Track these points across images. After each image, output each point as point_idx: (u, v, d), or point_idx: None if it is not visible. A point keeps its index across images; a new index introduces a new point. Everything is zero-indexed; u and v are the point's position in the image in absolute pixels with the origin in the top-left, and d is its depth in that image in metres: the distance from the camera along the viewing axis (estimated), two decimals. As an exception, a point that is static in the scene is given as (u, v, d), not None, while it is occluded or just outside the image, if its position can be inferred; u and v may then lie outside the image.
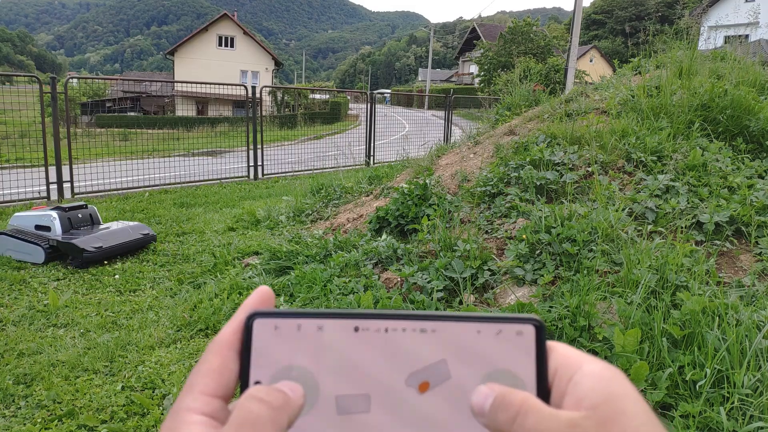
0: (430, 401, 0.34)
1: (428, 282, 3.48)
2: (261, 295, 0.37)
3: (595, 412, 0.30)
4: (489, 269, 3.50)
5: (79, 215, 5.19)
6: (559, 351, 0.35)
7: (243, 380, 0.34)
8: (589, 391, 0.31)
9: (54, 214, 4.99)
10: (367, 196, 6.40)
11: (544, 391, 0.34)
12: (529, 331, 0.35)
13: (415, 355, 0.34)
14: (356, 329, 0.35)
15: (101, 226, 5.28)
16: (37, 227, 4.96)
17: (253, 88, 10.90)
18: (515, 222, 4.00)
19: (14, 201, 7.61)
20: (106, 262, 4.89)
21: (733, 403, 2.14)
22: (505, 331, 0.35)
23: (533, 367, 0.34)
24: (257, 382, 0.34)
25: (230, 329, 0.35)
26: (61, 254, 4.89)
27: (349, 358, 0.34)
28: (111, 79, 33.04)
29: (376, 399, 0.34)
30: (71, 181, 8.10)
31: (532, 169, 4.38)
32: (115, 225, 5.35)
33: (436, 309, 3.15)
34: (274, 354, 0.34)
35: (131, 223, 5.48)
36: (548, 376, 0.34)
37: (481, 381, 0.34)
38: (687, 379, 2.27)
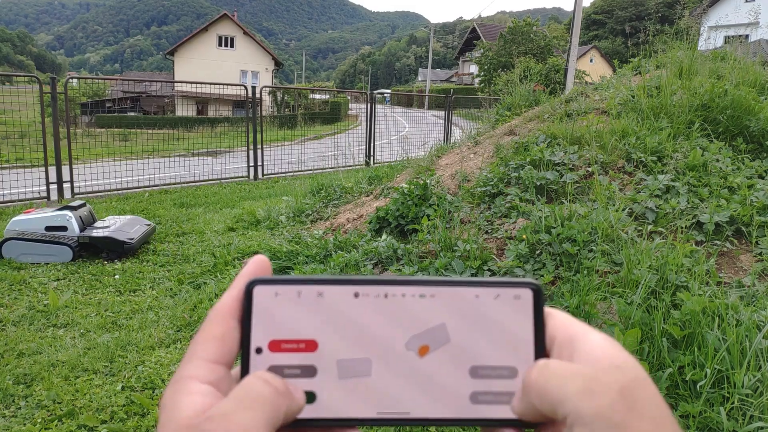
0: (430, 364, 0.35)
1: (428, 282, 3.47)
2: (258, 264, 0.37)
3: (621, 373, 0.31)
4: (489, 269, 3.50)
5: (84, 213, 5.24)
6: (558, 318, 0.36)
7: (243, 347, 0.34)
8: (600, 357, 0.32)
9: (69, 213, 5.02)
10: (367, 196, 6.40)
11: (541, 353, 0.35)
12: (527, 295, 0.35)
13: (414, 320, 0.35)
14: (356, 295, 0.35)
15: (105, 222, 5.32)
16: (49, 228, 4.96)
17: (253, 88, 10.90)
18: (515, 222, 4.00)
19: (14, 201, 7.61)
20: (106, 262, 4.89)
21: (733, 403, 2.14)
22: (503, 295, 0.35)
23: (531, 330, 0.35)
24: (258, 349, 0.34)
25: (230, 297, 0.35)
26: (84, 251, 4.99)
27: (349, 323, 0.35)
28: (111, 79, 33.04)
29: (377, 363, 0.35)
30: (71, 181, 8.10)
31: (532, 169, 4.38)
32: (117, 219, 5.40)
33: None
34: (274, 321, 0.35)
35: (127, 216, 5.56)
36: (545, 340, 0.35)
37: (479, 343, 0.35)
38: (687, 379, 2.27)
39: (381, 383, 0.34)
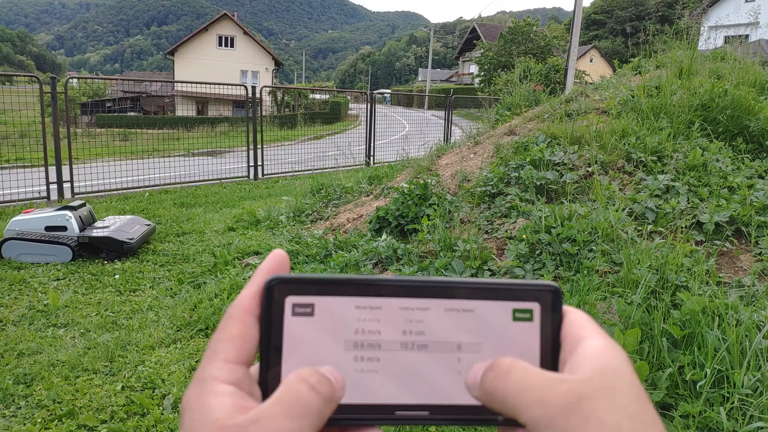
0: (449, 364, 0.35)
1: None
2: (276, 259, 0.36)
3: (586, 381, 0.30)
4: (489, 269, 3.50)
5: (84, 213, 5.24)
6: (572, 318, 0.36)
7: (263, 346, 0.34)
8: (586, 362, 0.32)
9: (68, 213, 5.01)
10: (367, 196, 6.41)
11: (555, 355, 0.36)
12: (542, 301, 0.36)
13: (440, 335, 0.35)
14: (379, 302, 0.35)
15: (105, 222, 5.32)
16: (48, 228, 4.95)
17: (253, 88, 10.90)
18: (515, 222, 4.00)
19: (14, 201, 7.60)
20: (106, 262, 4.89)
21: (733, 403, 2.14)
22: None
23: (538, 340, 0.36)
24: (277, 348, 0.34)
25: (249, 294, 0.34)
26: (84, 251, 4.99)
27: (369, 329, 0.35)
28: (111, 79, 33.03)
29: (394, 359, 0.35)
30: (71, 181, 8.10)
31: (532, 169, 4.38)
32: (116, 219, 5.40)
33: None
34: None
35: (127, 216, 5.55)
36: (560, 340, 0.36)
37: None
38: (687, 379, 2.27)
39: (400, 379, 0.35)
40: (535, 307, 0.36)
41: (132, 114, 25.88)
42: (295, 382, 0.31)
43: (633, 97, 5.35)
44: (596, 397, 0.29)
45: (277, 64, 43.54)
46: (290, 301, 0.34)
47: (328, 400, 0.31)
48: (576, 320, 0.35)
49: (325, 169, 11.49)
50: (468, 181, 4.98)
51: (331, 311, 0.35)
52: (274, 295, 0.34)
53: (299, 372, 0.32)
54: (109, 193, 8.61)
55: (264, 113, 14.88)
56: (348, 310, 0.35)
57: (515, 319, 0.36)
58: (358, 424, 0.34)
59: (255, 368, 0.34)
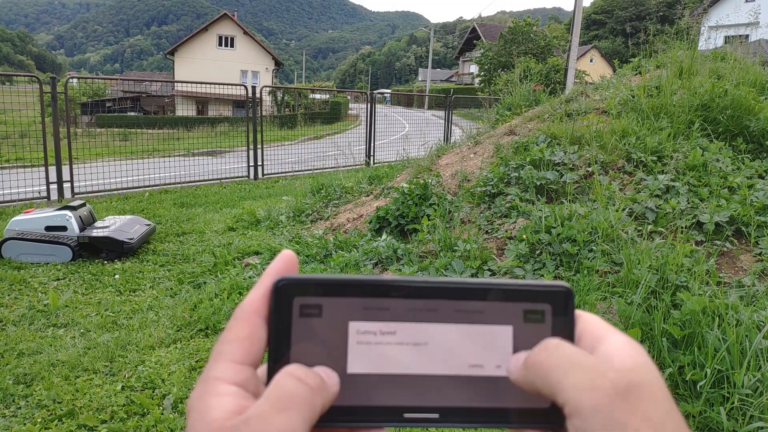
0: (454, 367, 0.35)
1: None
2: (285, 260, 0.36)
3: (632, 371, 0.31)
4: (489, 269, 3.50)
5: (84, 213, 5.24)
6: (585, 320, 0.36)
7: (271, 347, 0.34)
8: (617, 356, 0.32)
9: (68, 213, 5.01)
10: (367, 196, 6.41)
11: None
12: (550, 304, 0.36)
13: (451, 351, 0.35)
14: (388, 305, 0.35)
15: (105, 222, 5.32)
16: (48, 228, 4.95)
17: (253, 88, 10.90)
18: (515, 222, 4.00)
19: (14, 201, 7.60)
20: (106, 261, 4.89)
21: (733, 403, 2.14)
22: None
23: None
24: (285, 349, 0.34)
25: (257, 295, 0.34)
26: (84, 251, 4.99)
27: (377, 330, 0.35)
28: (111, 79, 33.01)
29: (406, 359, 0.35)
30: (71, 181, 8.10)
31: (532, 169, 4.38)
32: (116, 219, 5.40)
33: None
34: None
35: (127, 216, 5.55)
36: (573, 340, 0.35)
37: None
38: (687, 379, 2.27)
39: (408, 380, 0.34)
40: (547, 308, 0.35)
41: (132, 114, 25.89)
42: (281, 377, 0.31)
43: (633, 97, 5.35)
44: (642, 389, 0.29)
45: (277, 64, 43.54)
46: (298, 302, 0.34)
47: (316, 390, 0.31)
48: (591, 320, 0.35)
49: (325, 169, 11.49)
50: (468, 181, 4.98)
51: (338, 312, 0.34)
52: (281, 296, 0.34)
53: (286, 368, 0.32)
54: (109, 193, 8.61)
55: (264, 113, 14.87)
56: (356, 312, 0.35)
57: (526, 320, 0.35)
58: (365, 426, 0.34)
59: (263, 369, 0.34)
